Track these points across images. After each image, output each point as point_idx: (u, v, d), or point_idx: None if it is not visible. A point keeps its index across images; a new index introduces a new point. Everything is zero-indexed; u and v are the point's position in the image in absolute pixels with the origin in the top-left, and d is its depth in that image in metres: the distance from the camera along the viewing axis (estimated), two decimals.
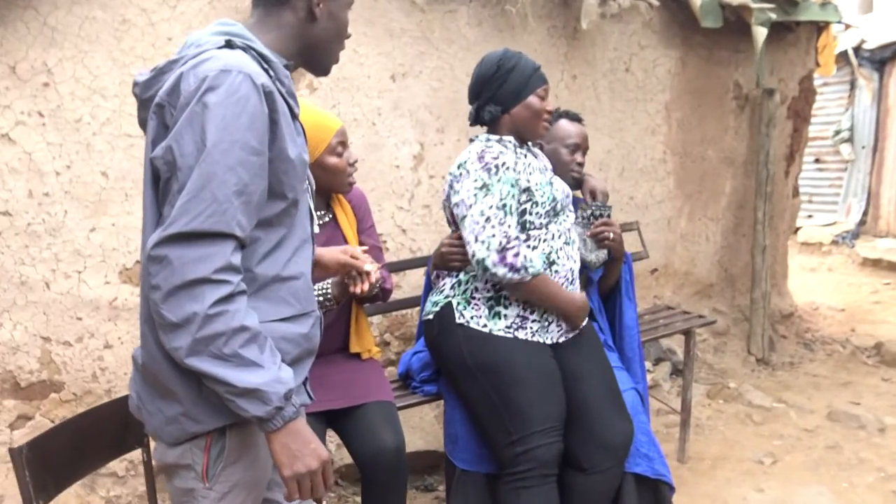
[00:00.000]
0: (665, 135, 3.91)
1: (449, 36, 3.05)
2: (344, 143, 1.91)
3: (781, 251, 4.69)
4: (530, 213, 1.98)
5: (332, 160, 1.88)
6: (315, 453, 1.15)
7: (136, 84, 1.22)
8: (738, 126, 4.24)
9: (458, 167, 2.00)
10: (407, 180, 3.03)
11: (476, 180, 1.93)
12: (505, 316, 2.00)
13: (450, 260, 2.07)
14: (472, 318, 2.01)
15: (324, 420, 1.90)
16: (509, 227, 1.91)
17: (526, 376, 1.95)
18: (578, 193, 2.44)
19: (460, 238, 2.00)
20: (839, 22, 4.47)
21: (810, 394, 3.76)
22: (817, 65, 4.61)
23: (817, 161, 8.14)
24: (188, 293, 1.06)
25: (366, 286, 1.72)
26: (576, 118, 2.42)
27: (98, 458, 1.60)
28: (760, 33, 3.67)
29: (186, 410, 1.15)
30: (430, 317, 2.10)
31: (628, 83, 3.69)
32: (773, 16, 3.76)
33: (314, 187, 1.51)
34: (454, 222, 2.08)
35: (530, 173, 2.01)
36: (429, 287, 2.31)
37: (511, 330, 2.00)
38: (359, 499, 2.14)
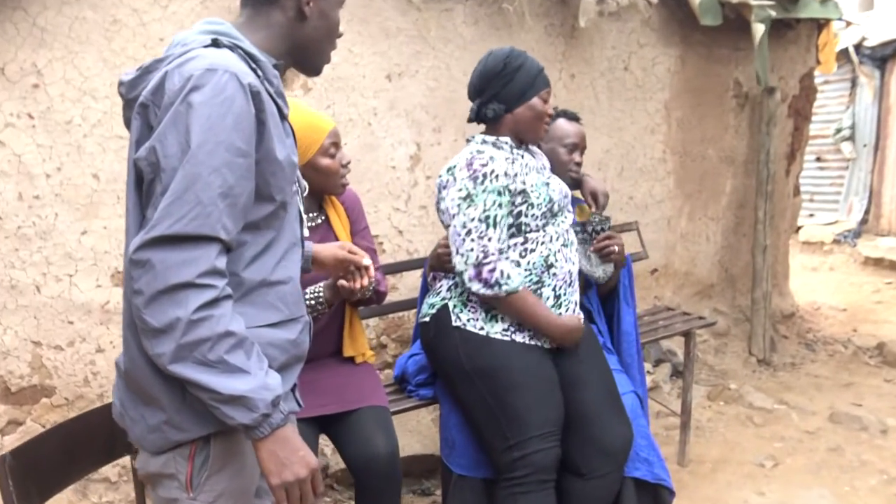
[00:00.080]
0: (664, 134, 3.88)
1: (445, 35, 3.02)
2: (337, 144, 1.89)
3: (782, 251, 4.66)
4: (526, 216, 1.95)
5: (325, 161, 1.86)
6: (304, 461, 1.13)
7: (121, 83, 1.19)
8: (739, 125, 4.21)
9: (448, 171, 1.98)
10: (403, 181, 3.01)
11: (461, 189, 1.91)
12: (502, 319, 1.97)
13: (446, 261, 2.04)
14: (468, 320, 1.98)
15: (316, 425, 1.87)
16: (489, 240, 1.89)
17: (524, 380, 1.92)
18: (578, 194, 2.42)
19: None
20: (840, 19, 4.44)
21: (812, 395, 3.74)
22: (818, 62, 4.59)
23: (818, 159, 8.11)
24: (171, 298, 1.03)
25: (365, 281, 1.70)
26: (574, 117, 2.39)
27: (85, 465, 1.58)
28: (758, 30, 3.65)
29: (170, 418, 1.12)
30: (427, 319, 2.07)
31: (627, 82, 3.66)
32: (773, 13, 3.74)
33: (306, 190, 1.49)
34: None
35: (526, 174, 1.98)
36: (425, 289, 2.28)
37: (508, 333, 1.97)
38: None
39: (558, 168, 2.30)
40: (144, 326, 1.05)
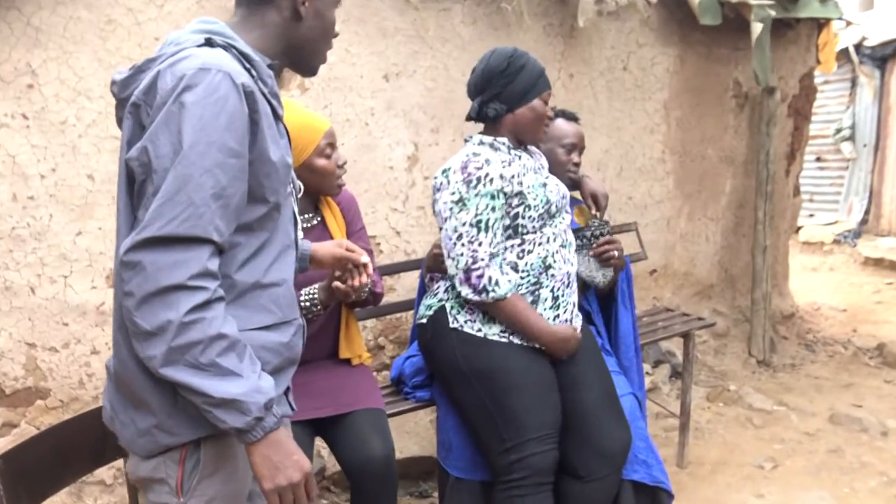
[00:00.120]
0: (664, 134, 3.86)
1: (443, 34, 3.01)
2: (333, 145, 1.87)
3: (782, 251, 4.65)
4: (523, 217, 1.94)
5: (321, 162, 1.84)
6: (297, 465, 1.12)
7: (114, 83, 1.18)
8: (738, 125, 4.19)
9: (443, 173, 1.97)
10: (401, 181, 2.99)
11: (454, 193, 1.90)
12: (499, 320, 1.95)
13: (443, 262, 2.02)
14: (465, 322, 1.97)
15: (312, 428, 1.86)
16: (480, 244, 1.88)
17: (521, 382, 1.91)
18: (576, 194, 2.40)
19: None
20: (840, 19, 4.42)
21: (812, 396, 3.72)
22: (818, 62, 4.57)
23: (818, 160, 8.10)
24: (162, 300, 1.02)
25: (364, 278, 1.69)
26: (572, 117, 2.38)
27: (78, 469, 1.57)
28: (756, 29, 3.63)
29: (160, 422, 1.11)
30: (424, 320, 2.06)
31: (626, 82, 3.65)
32: (773, 13, 3.72)
33: (301, 191, 1.47)
34: None
35: (523, 175, 1.96)
36: (423, 290, 2.27)
37: (506, 334, 1.95)
38: None
39: (557, 168, 2.28)
40: (135, 329, 1.04)
